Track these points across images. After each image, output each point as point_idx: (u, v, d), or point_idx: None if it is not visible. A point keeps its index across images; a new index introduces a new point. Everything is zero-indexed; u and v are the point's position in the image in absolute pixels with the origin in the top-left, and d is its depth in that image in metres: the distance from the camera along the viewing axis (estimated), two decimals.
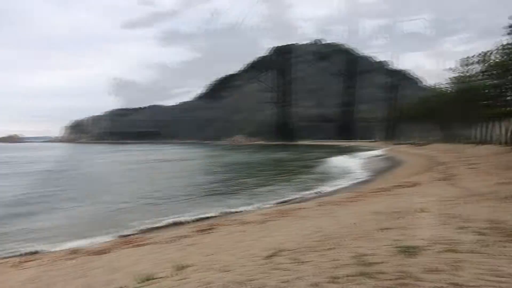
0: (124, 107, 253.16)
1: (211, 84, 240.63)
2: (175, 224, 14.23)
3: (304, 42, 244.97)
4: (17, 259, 9.69)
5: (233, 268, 6.39)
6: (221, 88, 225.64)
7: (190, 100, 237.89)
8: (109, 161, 57.19)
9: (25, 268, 8.75)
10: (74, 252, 10.21)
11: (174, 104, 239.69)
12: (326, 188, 23.75)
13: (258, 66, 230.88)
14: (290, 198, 20.18)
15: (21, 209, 17.18)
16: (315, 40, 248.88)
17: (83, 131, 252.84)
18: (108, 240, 12.00)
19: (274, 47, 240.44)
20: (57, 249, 11.03)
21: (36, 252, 10.82)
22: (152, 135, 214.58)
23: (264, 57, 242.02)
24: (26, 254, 10.63)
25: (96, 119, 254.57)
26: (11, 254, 10.59)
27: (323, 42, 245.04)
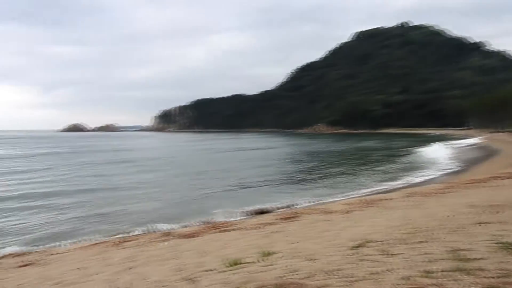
0: (208, 96, 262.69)
1: (292, 72, 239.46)
2: (260, 211, 14.49)
3: (390, 25, 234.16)
4: (118, 239, 10.52)
5: (319, 257, 6.37)
6: (302, 76, 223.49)
7: (271, 89, 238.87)
8: (197, 149, 59.72)
9: (124, 248, 9.48)
10: (167, 234, 10.85)
11: (256, 93, 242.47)
12: (414, 178, 22.67)
13: (340, 52, 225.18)
14: (375, 188, 19.58)
15: (125, 193, 18.64)
16: (402, 23, 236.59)
17: (170, 121, 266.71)
18: (196, 224, 12.58)
19: (357, 32, 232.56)
20: (152, 231, 11.78)
21: (133, 234, 11.65)
22: (235, 124, 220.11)
23: (346, 42, 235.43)
24: (124, 234, 11.49)
25: (182, 109, 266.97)
26: (112, 234, 11.52)
27: (410, 25, 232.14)
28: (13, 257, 9.30)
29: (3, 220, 13.24)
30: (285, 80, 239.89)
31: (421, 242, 6.29)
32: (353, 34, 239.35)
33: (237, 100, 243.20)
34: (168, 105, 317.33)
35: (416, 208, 11.30)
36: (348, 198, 16.40)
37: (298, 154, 45.10)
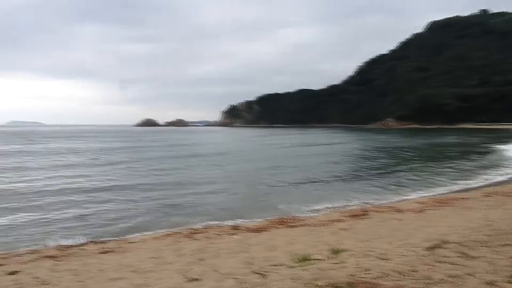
0: (274, 91, 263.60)
1: (360, 65, 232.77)
2: (327, 208, 14.31)
3: (467, 14, 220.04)
4: (188, 231, 10.90)
5: (391, 257, 6.17)
6: (371, 69, 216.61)
7: (338, 83, 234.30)
8: (264, 144, 60.04)
9: (195, 239, 9.80)
10: (235, 228, 11.06)
11: (322, 88, 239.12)
12: (494, 177, 21.19)
13: (411, 44, 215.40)
14: (450, 186, 18.56)
15: (195, 186, 19.28)
16: (480, 11, 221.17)
17: (237, 116, 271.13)
18: (263, 219, 12.68)
19: (430, 22, 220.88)
20: (220, 224, 12.07)
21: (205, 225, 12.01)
22: (300, 119, 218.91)
23: (418, 33, 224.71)
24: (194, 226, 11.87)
25: (248, 104, 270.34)
26: (183, 226, 11.95)
27: (490, 12, 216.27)
28: (94, 244, 9.95)
29: (85, 210, 14.21)
30: (352, 73, 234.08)
31: (505, 245, 5.88)
32: (426, 25, 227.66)
33: (303, 95, 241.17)
34: (235, 100, 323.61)
35: (497, 209, 10.58)
36: (421, 197, 15.69)
37: (366, 150, 43.82)
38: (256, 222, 12.17)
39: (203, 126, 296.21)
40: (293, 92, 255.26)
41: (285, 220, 11.88)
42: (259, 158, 35.84)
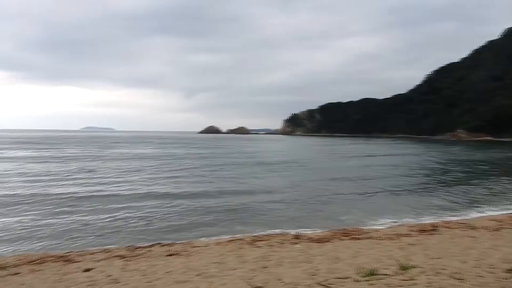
0: (336, 101, 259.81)
1: (428, 74, 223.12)
2: (392, 221, 13.79)
3: None
4: (251, 238, 10.96)
5: (466, 277, 5.79)
6: (440, 78, 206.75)
7: (404, 92, 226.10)
8: (328, 153, 58.95)
9: (257, 247, 9.83)
10: (297, 237, 10.96)
11: (386, 97, 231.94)
12: None
13: (485, 52, 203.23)
14: None
15: (258, 194, 19.48)
16: None
17: (298, 124, 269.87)
18: (326, 229, 12.46)
19: (508, 28, 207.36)
20: (282, 232, 12.02)
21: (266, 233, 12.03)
22: (363, 129, 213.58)
23: (493, 40, 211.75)
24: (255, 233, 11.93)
25: (310, 113, 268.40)
26: (245, 233, 12.05)
27: None
28: (161, 246, 10.30)
29: (152, 214, 14.80)
30: (419, 82, 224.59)
31: None
32: (503, 31, 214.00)
33: (366, 104, 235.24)
34: (297, 109, 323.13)
35: None
36: (497, 214, 14.64)
37: (437, 162, 41.55)
38: (319, 232, 11.99)
39: (264, 134, 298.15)
40: (355, 101, 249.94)
41: (348, 232, 11.58)
42: (322, 167, 35.35)
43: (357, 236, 10.86)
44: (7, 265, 8.36)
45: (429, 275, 5.96)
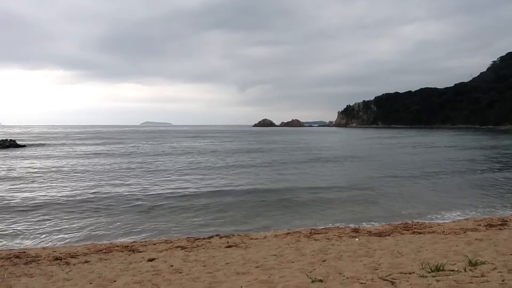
0: (393, 91, 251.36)
1: (494, 61, 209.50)
2: (458, 214, 13.15)
3: None
4: (308, 231, 10.88)
5: None
6: (508, 65, 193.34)
7: (467, 81, 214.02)
8: (387, 146, 56.68)
9: (315, 240, 9.74)
10: (355, 231, 10.74)
11: (448, 86, 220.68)
12: None
13: None
14: None
15: (316, 188, 19.32)
16: None
17: (353, 116, 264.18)
18: (386, 223, 12.11)
19: None
20: (340, 226, 11.83)
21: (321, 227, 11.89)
22: (422, 120, 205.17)
23: None
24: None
25: (365, 104, 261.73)
26: (303, 225, 11.98)
27: None
28: (220, 238, 10.49)
29: (211, 206, 15.12)
30: (484, 70, 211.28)
31: None
32: None
33: (426, 94, 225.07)
34: (352, 100, 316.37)
35: None
36: None
37: (503, 155, 38.84)
38: (378, 225, 11.69)
39: (318, 126, 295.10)
40: (414, 92, 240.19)
41: (410, 226, 11.19)
42: (381, 160, 34.18)
43: (419, 230, 10.47)
44: (77, 254, 8.87)
45: (501, 272, 5.59)
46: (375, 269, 6.47)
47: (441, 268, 5.97)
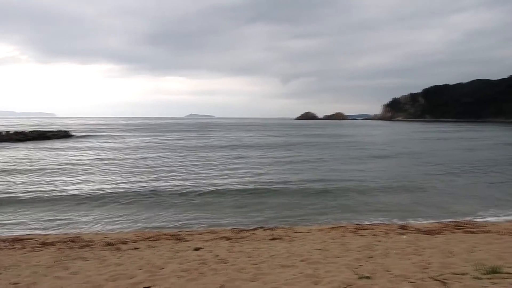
0: (442, 83, 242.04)
1: None
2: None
3: None
4: (354, 226, 10.72)
5: None
6: None
7: None
8: (437, 140, 54.52)
9: (361, 235, 9.56)
10: (403, 228, 10.46)
11: (500, 78, 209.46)
12: None
13: None
14: None
15: (362, 183, 18.92)
16: None
17: (399, 109, 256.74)
18: (435, 221, 11.72)
19: None
20: (387, 222, 11.57)
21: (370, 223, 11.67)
22: (473, 113, 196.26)
23: None
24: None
25: (412, 97, 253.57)
26: (348, 220, 11.81)
27: None
28: (264, 230, 10.53)
29: (259, 200, 15.17)
30: None
31: None
32: None
33: (477, 86, 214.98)
34: (398, 93, 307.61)
35: None
36: None
37: None
38: (427, 223, 11.32)
39: (361, 119, 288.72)
40: (464, 83, 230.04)
41: (461, 224, 10.76)
42: (433, 156, 32.74)
43: (471, 230, 10.04)
44: (128, 240, 9.20)
45: None
46: (425, 268, 6.27)
47: (497, 270, 5.69)
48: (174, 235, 9.90)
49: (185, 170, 22.79)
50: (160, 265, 6.98)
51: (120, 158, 28.63)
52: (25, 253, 8.04)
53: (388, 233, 9.79)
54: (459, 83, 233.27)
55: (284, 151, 36.35)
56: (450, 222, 11.19)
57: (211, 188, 17.18)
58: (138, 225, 11.57)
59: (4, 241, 9.11)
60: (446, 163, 26.62)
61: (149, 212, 12.96)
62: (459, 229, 10.16)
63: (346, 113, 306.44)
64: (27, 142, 43.65)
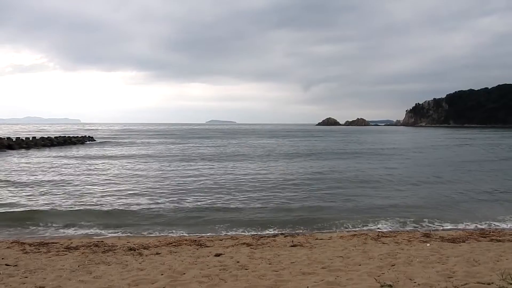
0: (467, 88, 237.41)
1: None
2: None
3: None
4: (376, 233, 10.57)
5: None
6: None
7: None
8: (464, 147, 52.82)
9: (383, 243, 9.43)
10: (426, 235, 10.26)
11: None
12: None
13: None
14: None
15: (385, 188, 18.71)
16: None
17: (422, 115, 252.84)
18: (460, 228, 11.48)
19: None
20: (410, 229, 11.39)
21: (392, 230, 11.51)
22: (499, 119, 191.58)
23: None
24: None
25: (436, 102, 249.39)
26: (369, 228, 11.67)
27: None
28: (285, 236, 10.50)
29: (287, 204, 15.13)
30: None
31: None
32: None
33: (504, 91, 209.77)
34: (421, 98, 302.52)
35: None
36: None
37: None
38: (451, 231, 11.08)
39: (384, 125, 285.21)
40: (491, 88, 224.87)
41: (487, 232, 10.50)
42: (460, 162, 31.64)
43: (498, 238, 9.78)
44: (149, 246, 9.31)
45: None
46: (449, 277, 6.15)
47: None
48: (195, 240, 9.96)
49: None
50: (181, 271, 7.04)
51: (144, 168, 27.76)
52: (50, 257, 8.23)
53: (411, 240, 9.63)
54: (485, 88, 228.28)
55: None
56: (475, 230, 10.94)
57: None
58: (160, 228, 11.71)
59: (30, 244, 9.34)
60: (474, 170, 25.94)
61: (172, 217, 13.06)
62: (484, 237, 9.91)
63: (368, 119, 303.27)
64: (52, 148, 44.78)
